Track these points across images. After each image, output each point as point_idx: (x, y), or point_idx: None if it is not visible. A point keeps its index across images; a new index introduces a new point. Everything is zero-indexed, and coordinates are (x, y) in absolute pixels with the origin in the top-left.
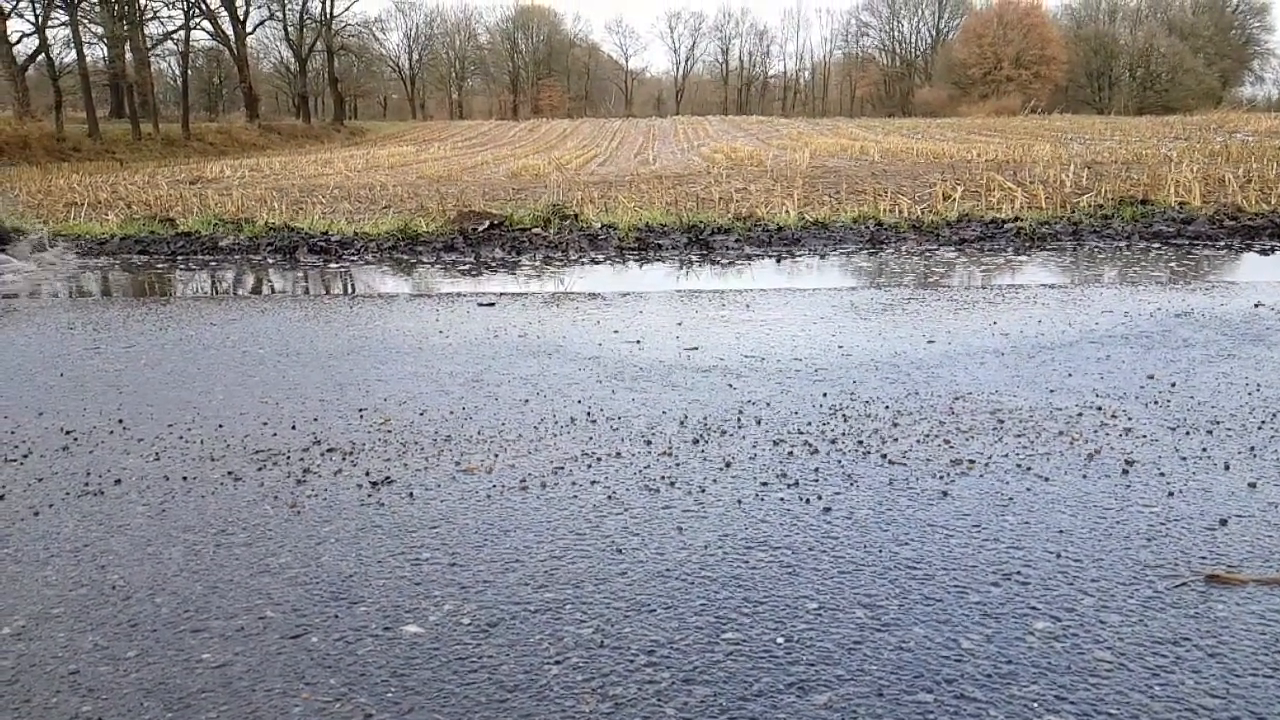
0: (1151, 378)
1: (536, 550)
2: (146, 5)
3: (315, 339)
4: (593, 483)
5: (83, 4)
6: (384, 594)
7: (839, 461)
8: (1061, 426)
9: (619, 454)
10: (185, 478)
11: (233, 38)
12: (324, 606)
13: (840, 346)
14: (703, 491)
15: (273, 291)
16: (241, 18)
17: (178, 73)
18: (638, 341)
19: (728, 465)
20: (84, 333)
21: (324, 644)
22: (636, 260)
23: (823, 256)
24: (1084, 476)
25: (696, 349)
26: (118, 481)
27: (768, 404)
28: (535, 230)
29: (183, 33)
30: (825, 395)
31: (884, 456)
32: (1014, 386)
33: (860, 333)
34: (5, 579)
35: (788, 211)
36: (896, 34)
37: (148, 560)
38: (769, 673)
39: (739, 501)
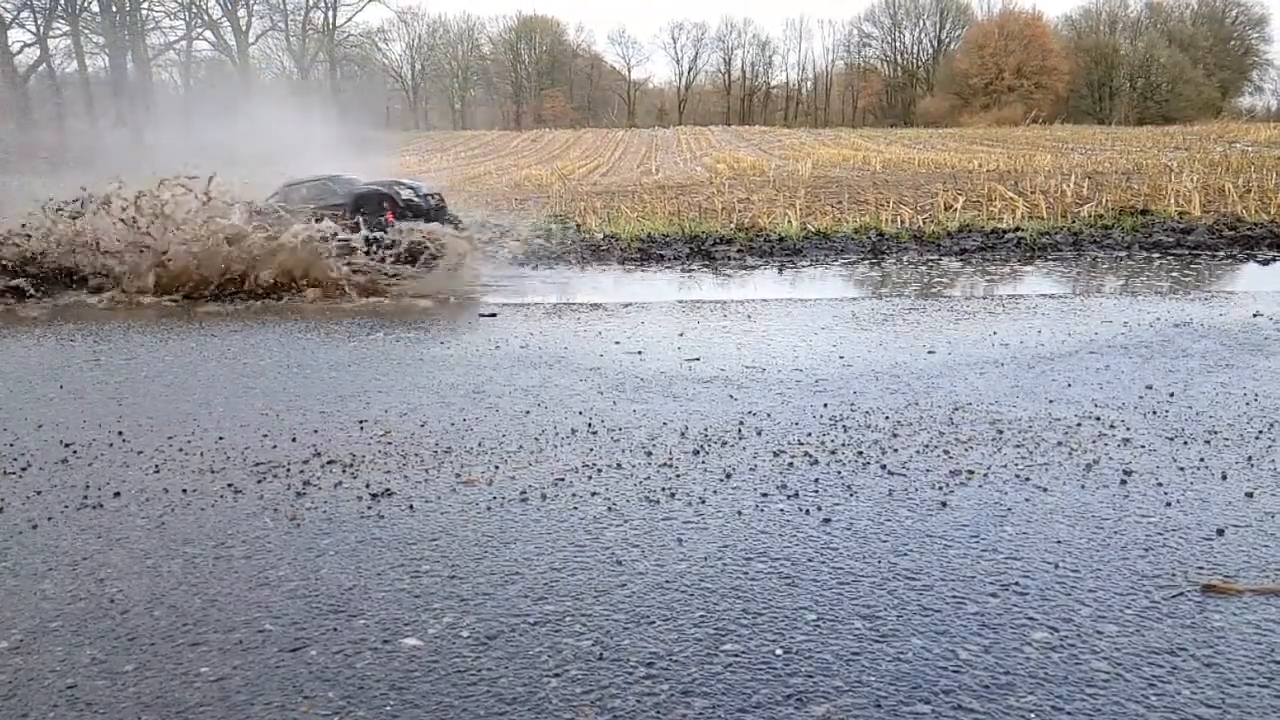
0: (1150, 388)
1: (536, 562)
2: (148, 15)
3: (316, 350)
4: (593, 494)
5: (84, 14)
6: (383, 607)
7: (839, 472)
8: (1060, 437)
9: (619, 465)
10: (185, 490)
11: (235, 48)
12: (323, 619)
13: (841, 357)
14: (703, 503)
15: (272, 302)
16: (244, 28)
17: (180, 83)
18: (639, 352)
19: (728, 476)
20: (84, 344)
21: (323, 657)
22: (639, 270)
23: (825, 266)
24: (1082, 487)
25: (698, 360)
26: (117, 494)
27: (768, 415)
28: (538, 240)
29: (185, 43)
30: (826, 406)
31: (884, 467)
32: (1013, 397)
33: (861, 343)
34: (3, 592)
35: (790, 222)
36: (898, 44)
37: (146, 573)
38: (767, 684)
39: (739, 513)
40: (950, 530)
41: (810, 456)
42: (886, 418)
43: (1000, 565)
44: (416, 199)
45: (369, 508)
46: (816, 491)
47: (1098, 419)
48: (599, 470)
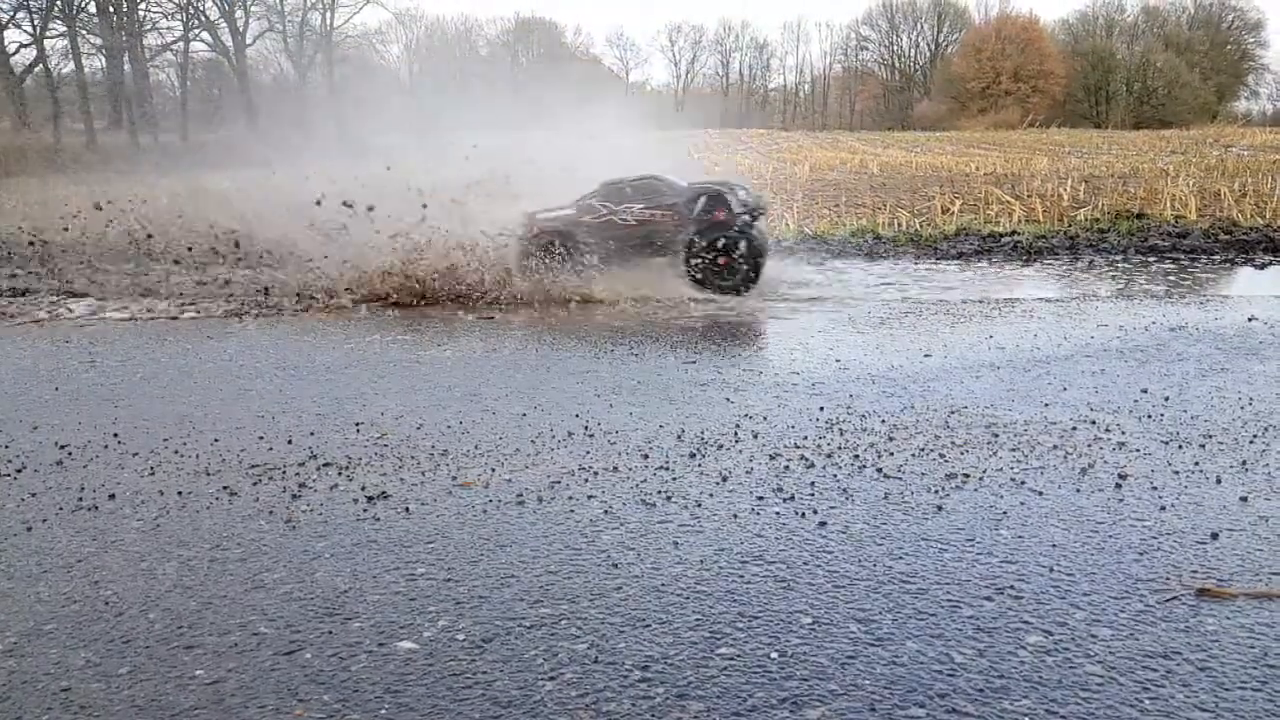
0: (1146, 391)
1: (532, 565)
2: (146, 16)
3: (312, 353)
4: (589, 497)
5: (81, 15)
6: (378, 610)
7: (835, 476)
8: (1056, 440)
9: (616, 468)
10: (180, 492)
11: (232, 49)
12: (318, 622)
13: (838, 360)
14: (699, 506)
15: (267, 305)
16: (241, 29)
17: (177, 84)
18: (636, 354)
19: (724, 479)
20: (79, 346)
21: (317, 660)
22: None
23: (822, 269)
24: (1077, 490)
25: (694, 362)
26: (112, 496)
27: (765, 418)
28: None
29: (182, 44)
30: (822, 409)
31: (879, 470)
32: (1009, 400)
33: (857, 346)
34: None
35: (787, 224)
36: (896, 48)
37: (141, 576)
38: (763, 688)
39: (735, 516)
40: (946, 534)
41: (806, 460)
42: (883, 421)
43: (995, 569)
44: (749, 199)
45: (365, 510)
46: (812, 495)
47: (1093, 423)
48: (595, 473)
